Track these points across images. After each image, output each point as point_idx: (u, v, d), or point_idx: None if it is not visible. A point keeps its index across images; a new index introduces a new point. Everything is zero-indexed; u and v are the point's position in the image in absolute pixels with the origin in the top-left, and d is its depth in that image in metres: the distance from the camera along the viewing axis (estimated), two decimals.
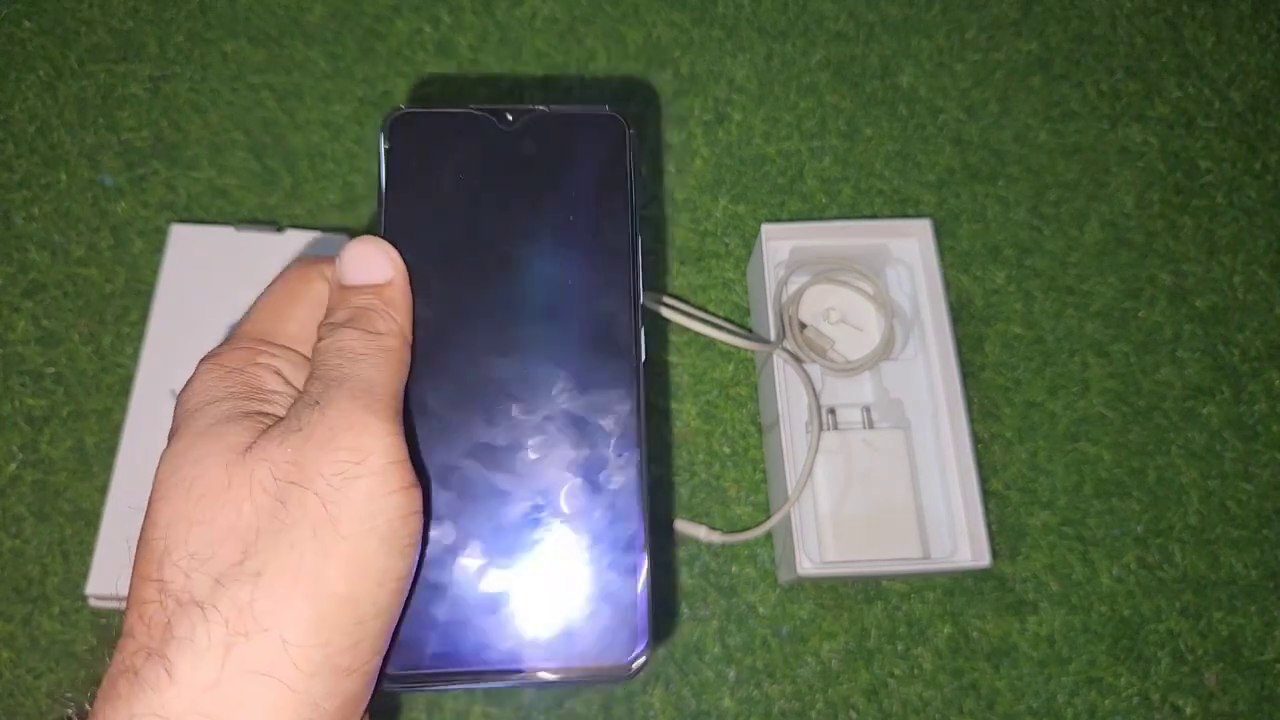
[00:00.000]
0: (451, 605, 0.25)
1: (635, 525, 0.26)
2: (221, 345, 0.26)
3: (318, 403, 0.24)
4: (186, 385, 0.25)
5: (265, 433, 0.23)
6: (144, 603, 0.21)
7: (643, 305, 0.28)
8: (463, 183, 0.28)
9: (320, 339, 0.26)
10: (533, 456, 0.27)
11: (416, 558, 0.24)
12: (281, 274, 0.28)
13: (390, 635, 0.24)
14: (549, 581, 0.26)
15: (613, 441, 0.27)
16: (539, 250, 0.28)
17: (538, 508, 0.26)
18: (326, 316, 0.27)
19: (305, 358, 0.27)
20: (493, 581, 0.26)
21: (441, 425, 0.27)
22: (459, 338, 0.27)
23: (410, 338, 0.27)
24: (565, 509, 0.26)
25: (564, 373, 0.27)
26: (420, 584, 0.25)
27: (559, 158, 0.29)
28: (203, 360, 0.26)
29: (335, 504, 0.22)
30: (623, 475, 0.27)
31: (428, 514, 0.25)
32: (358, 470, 0.22)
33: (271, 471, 0.22)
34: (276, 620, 0.21)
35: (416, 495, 0.24)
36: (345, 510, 0.22)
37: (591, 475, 0.27)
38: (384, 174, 0.28)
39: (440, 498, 0.26)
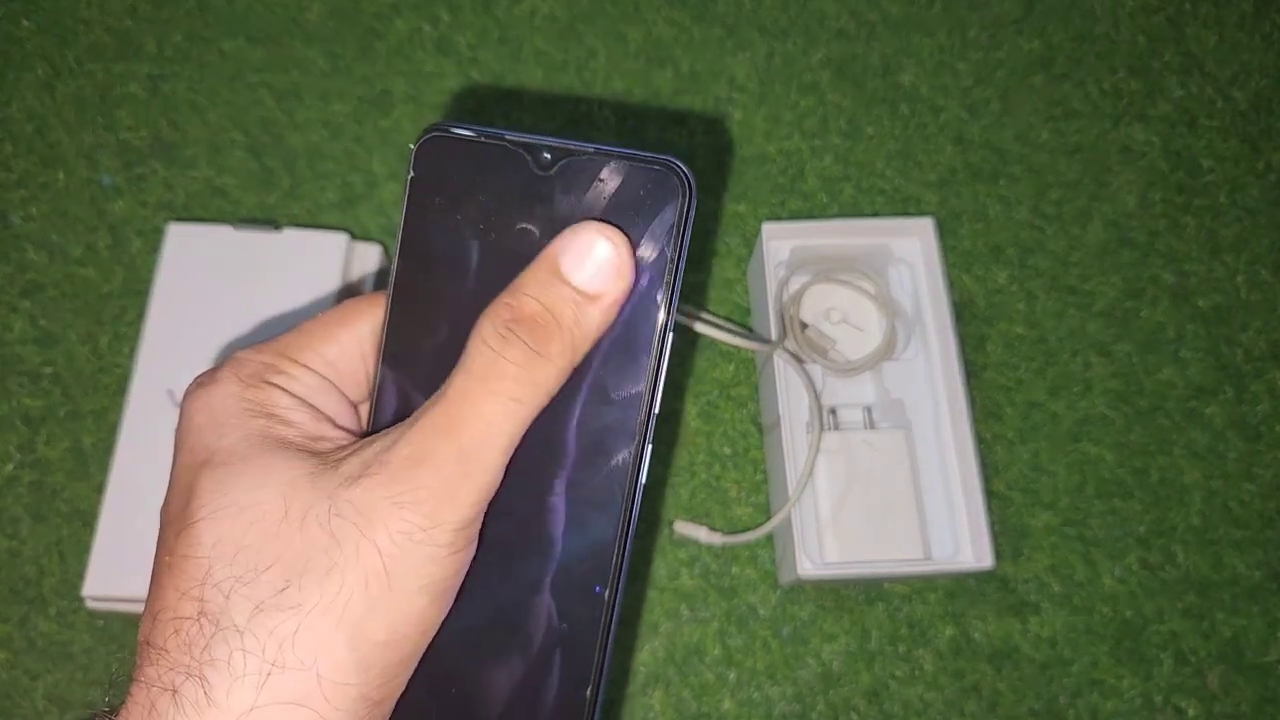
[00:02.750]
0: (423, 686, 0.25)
1: (588, 671, 0.25)
2: (250, 350, 0.26)
3: (420, 455, 0.22)
4: (201, 388, 0.25)
5: (335, 466, 0.23)
6: (181, 619, 0.21)
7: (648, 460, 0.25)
8: (488, 222, 0.25)
9: (478, 332, 0.23)
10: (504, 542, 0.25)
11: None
12: (360, 297, 0.27)
13: (418, 661, 0.23)
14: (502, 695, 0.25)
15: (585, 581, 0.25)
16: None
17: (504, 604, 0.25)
18: (505, 294, 0.23)
19: (328, 381, 0.26)
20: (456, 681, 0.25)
21: None
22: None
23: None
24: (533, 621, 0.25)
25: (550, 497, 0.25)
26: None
27: (597, 210, 0.24)
28: (231, 359, 0.25)
29: (394, 559, 0.21)
30: (589, 611, 0.25)
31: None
32: (424, 536, 0.22)
33: (332, 509, 0.22)
34: (314, 657, 0.21)
35: (472, 551, 0.23)
36: (403, 567, 0.22)
37: (558, 605, 0.25)
38: (407, 199, 0.25)
39: None
